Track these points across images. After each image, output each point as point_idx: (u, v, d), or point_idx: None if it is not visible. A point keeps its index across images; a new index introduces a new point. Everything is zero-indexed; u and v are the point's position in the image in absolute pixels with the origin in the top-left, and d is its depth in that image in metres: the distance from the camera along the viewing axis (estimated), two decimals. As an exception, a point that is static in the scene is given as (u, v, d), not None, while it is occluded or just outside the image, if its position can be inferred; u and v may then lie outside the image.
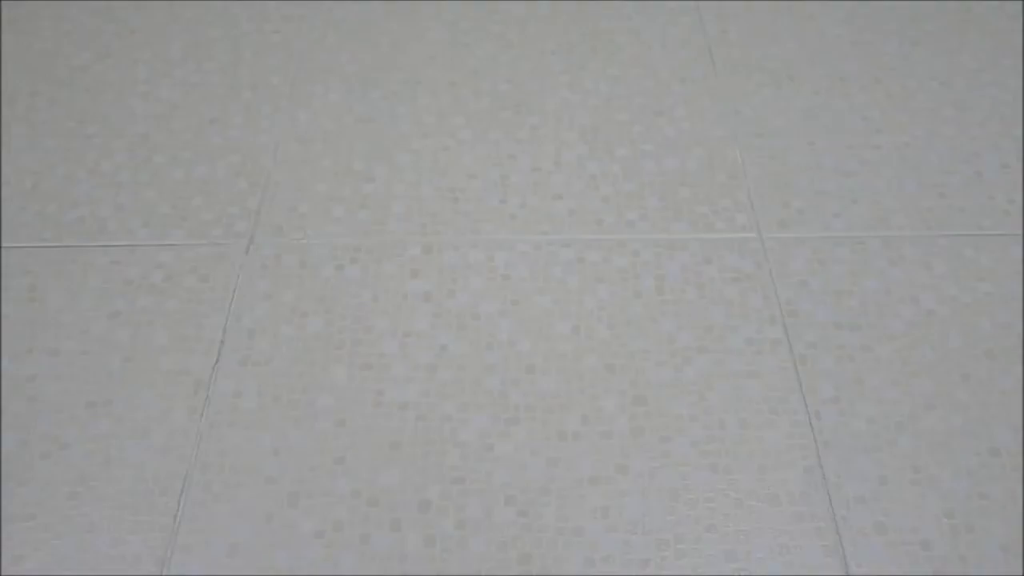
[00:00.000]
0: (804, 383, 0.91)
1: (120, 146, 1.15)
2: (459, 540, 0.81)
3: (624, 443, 0.87)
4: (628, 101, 1.20)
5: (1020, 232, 1.04)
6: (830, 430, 0.88)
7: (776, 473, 0.85)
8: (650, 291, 0.99)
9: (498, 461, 0.86)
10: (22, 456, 0.87)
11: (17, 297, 0.99)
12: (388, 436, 0.88)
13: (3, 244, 1.04)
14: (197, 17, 1.33)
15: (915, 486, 0.84)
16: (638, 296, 0.99)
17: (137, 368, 0.93)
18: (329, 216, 1.07)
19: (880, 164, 1.12)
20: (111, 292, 1.00)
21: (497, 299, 0.99)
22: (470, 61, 1.26)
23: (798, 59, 1.25)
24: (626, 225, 1.05)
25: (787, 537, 0.81)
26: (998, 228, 1.04)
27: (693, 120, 1.17)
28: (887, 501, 0.83)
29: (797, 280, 1.00)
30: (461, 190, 1.10)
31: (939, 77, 1.22)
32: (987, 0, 1.34)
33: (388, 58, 1.27)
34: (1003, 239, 1.03)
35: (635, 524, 0.82)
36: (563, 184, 1.10)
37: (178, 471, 0.86)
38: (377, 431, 0.88)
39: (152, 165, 1.13)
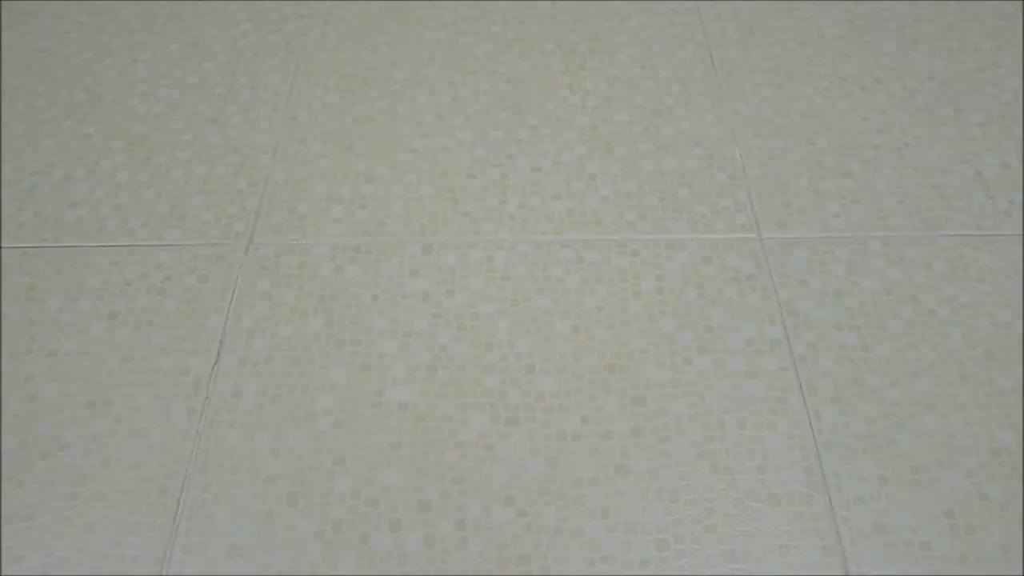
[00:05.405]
0: (804, 383, 0.91)
1: (119, 146, 1.15)
2: (459, 540, 0.81)
3: (624, 443, 0.87)
4: (627, 101, 1.20)
5: (1020, 232, 1.04)
6: (830, 430, 0.88)
7: (776, 473, 0.85)
8: (650, 291, 0.99)
9: (498, 461, 0.86)
10: (21, 456, 0.87)
11: (16, 297, 0.99)
12: (388, 436, 0.88)
13: (3, 244, 1.04)
14: (197, 17, 1.33)
15: (915, 486, 0.84)
16: (638, 296, 0.99)
17: (136, 368, 0.93)
18: (328, 216, 1.07)
19: (880, 164, 1.12)
20: (110, 292, 0.99)
21: (496, 299, 0.99)
22: (470, 61, 1.26)
23: (798, 59, 1.25)
24: (626, 225, 1.05)
25: (787, 537, 0.81)
26: (998, 228, 1.04)
27: (693, 120, 1.17)
28: (887, 501, 0.83)
29: (797, 280, 1.00)
30: (461, 190, 1.09)
31: (939, 77, 1.22)
32: (987, 0, 1.34)
33: (388, 58, 1.26)
34: (1003, 239, 1.03)
35: (635, 524, 0.82)
36: (562, 184, 1.10)
37: (177, 471, 0.86)
38: (377, 431, 0.88)
39: (151, 165, 1.13)
